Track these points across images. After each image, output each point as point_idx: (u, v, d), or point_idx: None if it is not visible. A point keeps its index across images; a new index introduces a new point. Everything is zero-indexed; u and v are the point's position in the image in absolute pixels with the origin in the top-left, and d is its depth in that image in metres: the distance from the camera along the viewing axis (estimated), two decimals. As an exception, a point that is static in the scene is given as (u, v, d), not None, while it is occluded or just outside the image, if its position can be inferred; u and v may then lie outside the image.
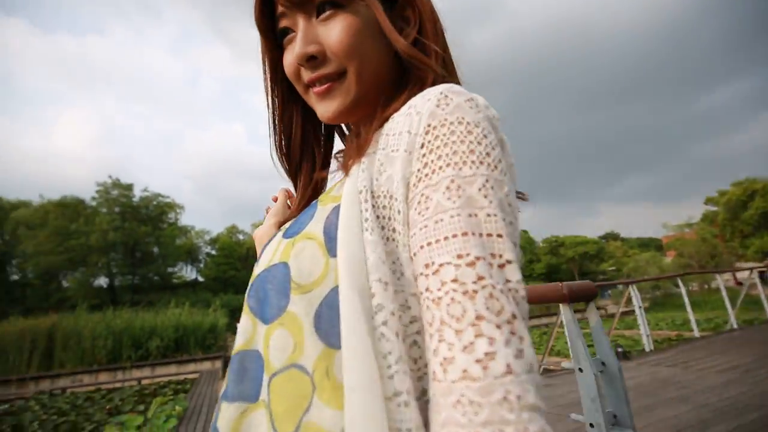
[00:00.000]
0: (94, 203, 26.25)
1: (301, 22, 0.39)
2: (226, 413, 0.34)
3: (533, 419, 0.23)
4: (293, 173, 0.48)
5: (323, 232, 0.35)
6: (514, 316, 0.26)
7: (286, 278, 0.35)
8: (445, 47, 0.42)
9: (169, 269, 28.61)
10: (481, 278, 0.26)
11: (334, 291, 0.32)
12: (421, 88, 0.36)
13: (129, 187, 26.76)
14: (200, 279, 30.41)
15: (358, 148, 0.38)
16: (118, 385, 9.45)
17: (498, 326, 0.25)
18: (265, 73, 0.45)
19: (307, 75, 0.40)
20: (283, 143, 0.47)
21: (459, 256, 0.27)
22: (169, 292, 23.82)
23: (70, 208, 25.37)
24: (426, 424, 0.27)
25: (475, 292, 0.26)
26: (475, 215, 0.28)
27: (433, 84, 0.37)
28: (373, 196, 0.33)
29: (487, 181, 0.29)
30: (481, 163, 0.30)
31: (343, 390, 0.28)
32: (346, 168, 0.38)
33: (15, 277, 24.58)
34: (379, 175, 0.34)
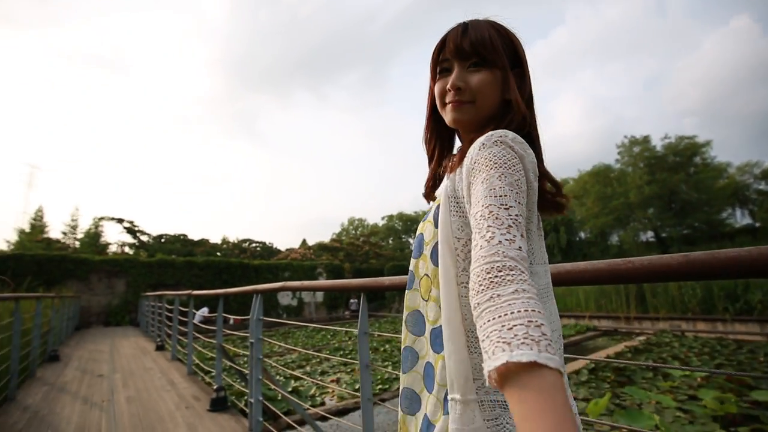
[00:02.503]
0: (618, 165, 28.27)
1: (456, 67, 0.66)
2: None
3: (509, 255, 0.43)
4: (430, 158, 0.76)
5: (433, 217, 0.66)
6: (508, 226, 0.46)
7: (421, 239, 0.69)
8: (531, 103, 0.68)
9: (721, 215, 24.99)
10: (491, 209, 0.48)
11: (437, 242, 0.62)
12: (506, 127, 0.60)
13: (646, 140, 26.49)
14: (757, 224, 24.25)
15: (456, 162, 0.64)
16: (714, 336, 9.14)
17: (497, 227, 0.46)
18: (429, 94, 0.73)
19: (449, 97, 0.66)
20: (428, 136, 0.76)
21: (493, 203, 0.49)
22: (726, 241, 20.85)
23: (601, 175, 28.76)
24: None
25: (490, 211, 0.48)
26: (492, 188, 0.50)
27: (511, 125, 0.62)
28: (455, 195, 0.61)
29: (494, 177, 0.52)
30: (490, 172, 0.52)
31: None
32: (450, 170, 0.66)
33: (581, 236, 30.89)
34: (460, 181, 0.60)
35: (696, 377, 4.74)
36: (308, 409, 3.86)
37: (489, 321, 0.38)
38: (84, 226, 23.07)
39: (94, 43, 70.09)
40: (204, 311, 12.44)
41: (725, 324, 9.90)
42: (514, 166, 0.52)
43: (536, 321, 0.36)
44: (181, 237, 23.89)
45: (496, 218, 0.46)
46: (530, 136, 0.65)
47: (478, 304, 0.40)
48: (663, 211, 25.40)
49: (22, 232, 21.04)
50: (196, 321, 4.85)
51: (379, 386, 5.29)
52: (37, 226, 21.87)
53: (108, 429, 2.77)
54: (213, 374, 4.80)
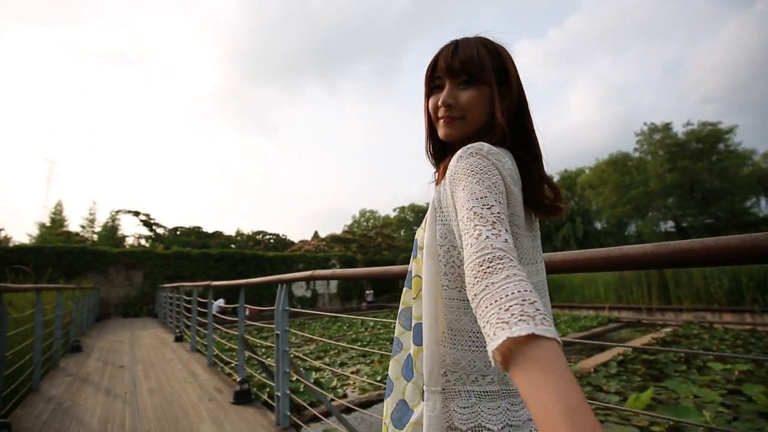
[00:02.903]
0: (637, 154, 27.52)
1: (448, 84, 0.69)
2: None
3: (497, 247, 0.45)
4: (436, 166, 0.77)
5: (424, 223, 0.69)
6: (492, 222, 0.49)
7: (416, 244, 0.71)
8: (522, 119, 0.70)
9: (745, 204, 24.20)
10: (475, 210, 0.51)
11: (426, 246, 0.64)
12: (489, 142, 0.63)
13: (667, 127, 25.66)
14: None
15: (440, 174, 0.69)
16: (747, 327, 8.81)
17: (483, 224, 0.48)
18: (425, 108, 0.75)
19: (441, 112, 0.69)
20: (431, 147, 0.78)
21: (474, 205, 0.52)
22: (751, 231, 20.14)
23: (619, 163, 28.05)
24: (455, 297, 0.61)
25: (474, 213, 0.51)
26: (473, 192, 0.53)
27: (493, 140, 0.65)
28: (440, 206, 0.64)
29: (472, 183, 0.55)
30: (466, 180, 0.56)
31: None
32: (437, 182, 0.70)
33: (597, 226, 30.29)
34: (444, 192, 0.63)
35: (735, 371, 4.51)
36: (333, 400, 3.78)
37: (487, 307, 0.40)
38: (101, 219, 23.44)
39: (110, 40, 70.75)
40: (220, 302, 12.52)
41: (754, 315, 9.54)
42: (489, 171, 0.56)
43: (529, 299, 0.38)
44: (196, 229, 24.11)
45: (481, 217, 0.50)
46: (527, 145, 0.69)
47: (476, 295, 0.43)
48: (684, 200, 24.69)
49: (42, 226, 21.49)
50: (213, 312, 4.80)
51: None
52: (57, 219, 22.31)
53: (132, 422, 2.70)
54: (233, 365, 4.77)
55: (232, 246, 23.82)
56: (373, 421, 3.71)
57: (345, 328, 10.96)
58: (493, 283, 0.41)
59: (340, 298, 19.17)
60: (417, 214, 45.98)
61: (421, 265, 0.65)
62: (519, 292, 0.39)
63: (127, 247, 19.54)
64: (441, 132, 0.70)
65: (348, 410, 3.74)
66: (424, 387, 0.58)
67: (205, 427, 2.55)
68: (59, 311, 4.87)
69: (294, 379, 3.87)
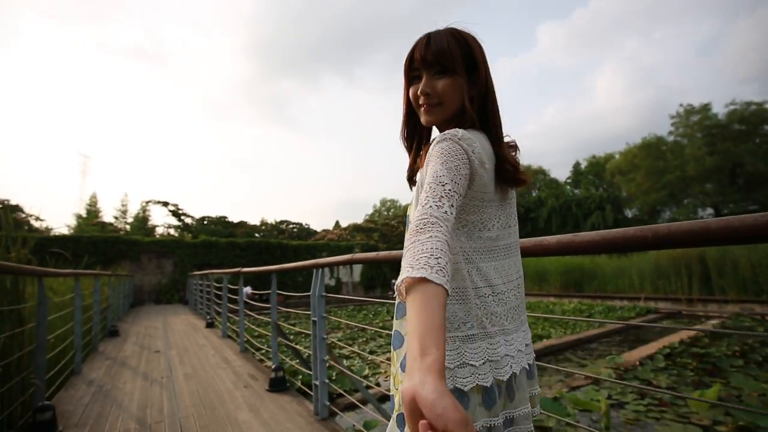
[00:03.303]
0: (672, 137, 26.12)
1: (425, 75, 0.75)
2: None
3: (433, 215, 0.54)
4: (409, 149, 0.87)
5: (414, 201, 0.80)
6: (440, 196, 0.57)
7: (407, 221, 0.78)
8: (487, 105, 0.76)
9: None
10: (431, 186, 0.59)
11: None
12: (463, 126, 0.72)
13: (706, 108, 24.17)
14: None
15: (423, 157, 0.80)
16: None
17: (432, 197, 0.57)
18: (404, 97, 0.82)
19: (421, 100, 0.75)
20: (405, 133, 0.86)
21: (432, 181, 0.60)
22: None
23: (652, 148, 26.72)
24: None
25: (430, 187, 0.59)
26: (435, 172, 0.62)
27: (466, 124, 0.73)
28: (422, 184, 0.72)
29: (437, 165, 0.63)
30: (435, 162, 0.64)
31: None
32: (421, 165, 0.78)
33: (628, 214, 29.14)
34: (425, 170, 0.69)
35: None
36: (370, 387, 3.70)
37: (407, 255, 0.51)
38: (133, 210, 24.22)
39: (135, 38, 72.47)
40: (248, 290, 12.72)
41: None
42: (455, 155, 0.64)
43: (436, 255, 0.48)
44: (222, 219, 24.60)
45: (433, 191, 0.59)
46: (491, 129, 0.75)
47: (406, 246, 0.56)
48: (725, 185, 23.32)
49: (79, 217, 22.42)
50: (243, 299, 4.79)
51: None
52: (92, 211, 23.22)
53: (170, 407, 2.69)
54: (264, 352, 4.76)
55: (257, 235, 24.21)
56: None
57: (371, 316, 10.94)
58: (418, 239, 0.52)
59: (363, 286, 19.21)
60: (439, 202, 45.56)
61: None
62: (432, 248, 0.49)
63: (158, 236, 20.12)
64: (423, 119, 0.78)
65: (382, 398, 3.65)
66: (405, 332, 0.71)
67: (242, 414, 2.49)
68: (97, 297, 4.97)
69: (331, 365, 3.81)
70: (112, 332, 6.08)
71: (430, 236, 0.51)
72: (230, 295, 5.63)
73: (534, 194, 37.46)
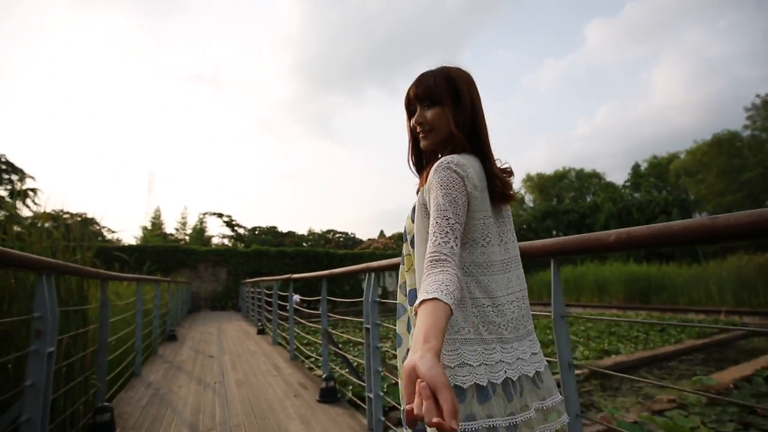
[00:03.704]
0: (748, 132, 23.55)
1: (418, 108, 0.88)
2: None
3: (443, 252, 0.67)
4: (419, 173, 0.97)
5: (411, 216, 0.89)
6: (446, 232, 0.70)
7: (404, 230, 0.92)
8: (475, 126, 0.86)
9: None
10: (437, 221, 0.71)
11: (414, 233, 0.85)
12: (453, 151, 0.85)
13: (791, 99, 21.56)
14: None
15: (423, 180, 0.91)
16: None
17: (439, 233, 0.70)
18: (407, 129, 0.94)
19: (418, 129, 0.89)
20: (413, 159, 0.97)
21: (438, 215, 0.73)
22: None
23: (725, 144, 24.25)
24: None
25: (436, 222, 0.71)
26: (438, 205, 0.73)
27: (457, 150, 0.85)
28: (424, 203, 0.82)
29: (439, 196, 0.74)
30: (438, 191, 0.75)
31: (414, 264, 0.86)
32: (421, 185, 0.90)
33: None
34: (427, 193, 0.80)
35: None
36: None
37: (423, 285, 0.64)
38: (191, 222, 25.80)
39: (193, 63, 78.51)
40: (296, 298, 12.92)
41: None
42: (454, 184, 0.75)
43: (446, 284, 0.62)
44: (272, 229, 25.50)
45: (439, 226, 0.71)
46: (480, 148, 0.87)
47: (423, 279, 0.66)
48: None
49: (145, 229, 24.28)
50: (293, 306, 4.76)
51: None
52: (156, 223, 25.05)
53: (222, 414, 2.64)
54: (314, 360, 4.69)
55: (305, 244, 24.80)
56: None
57: (418, 326, 10.65)
58: (432, 272, 0.66)
59: (409, 295, 18.91)
60: (485, 210, 44.27)
61: (410, 246, 0.89)
62: (443, 280, 0.63)
63: (213, 246, 21.20)
64: (421, 144, 0.90)
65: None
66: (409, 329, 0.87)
67: (293, 426, 2.38)
68: (157, 302, 5.19)
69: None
70: (171, 336, 6.34)
71: (442, 270, 0.65)
72: (280, 302, 5.66)
73: (588, 199, 35.31)
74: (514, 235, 0.88)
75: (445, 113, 0.85)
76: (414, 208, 0.88)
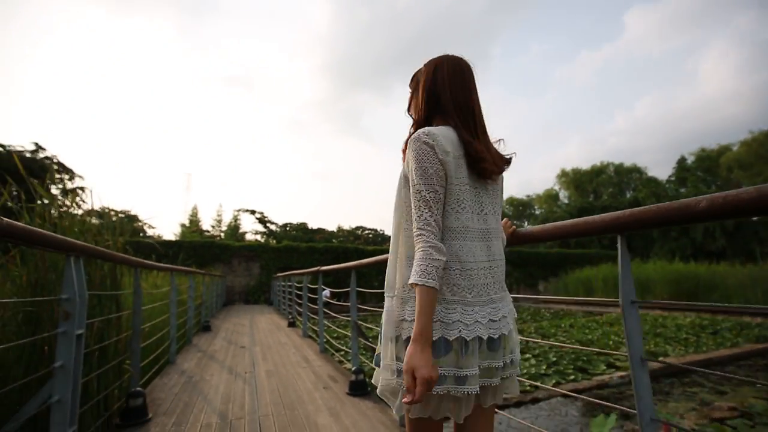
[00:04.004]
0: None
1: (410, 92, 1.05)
2: None
3: (416, 231, 0.81)
4: None
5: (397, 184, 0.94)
6: (419, 206, 0.82)
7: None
8: (442, 104, 0.93)
9: None
10: (414, 192, 0.83)
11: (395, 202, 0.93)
12: (430, 125, 0.93)
13: None
14: None
15: (403, 151, 0.94)
16: None
17: (415, 208, 0.82)
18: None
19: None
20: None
21: (413, 191, 0.84)
22: None
23: (786, 135, 22.29)
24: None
25: (414, 198, 0.83)
26: (413, 179, 0.84)
27: (430, 123, 0.95)
28: (404, 175, 0.89)
29: (413, 170, 0.83)
30: (412, 165, 0.84)
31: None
32: (403, 158, 0.94)
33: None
34: (406, 165, 0.88)
35: None
36: None
37: (414, 264, 0.79)
38: (226, 219, 26.63)
39: (228, 66, 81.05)
40: (326, 293, 13.00)
41: None
42: (425, 154, 0.83)
43: (427, 263, 0.77)
44: (302, 226, 25.89)
45: (415, 201, 0.83)
46: (457, 116, 0.91)
47: (415, 256, 0.81)
48: None
49: (183, 226, 25.30)
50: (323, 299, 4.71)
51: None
52: (193, 220, 26.02)
53: (251, 403, 2.60)
54: (343, 353, 4.63)
55: (334, 241, 25.01)
56: (519, 426, 3.15)
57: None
58: (417, 251, 0.79)
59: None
60: (517, 207, 42.98)
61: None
62: (423, 257, 0.78)
63: (247, 241, 21.77)
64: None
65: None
66: (385, 293, 0.91)
67: (321, 418, 2.30)
68: (191, 292, 5.30)
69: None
70: (205, 327, 6.48)
71: (420, 247, 0.79)
72: (310, 295, 5.65)
73: (628, 195, 33.55)
74: (500, 209, 0.95)
75: (414, 98, 1.01)
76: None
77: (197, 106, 73.30)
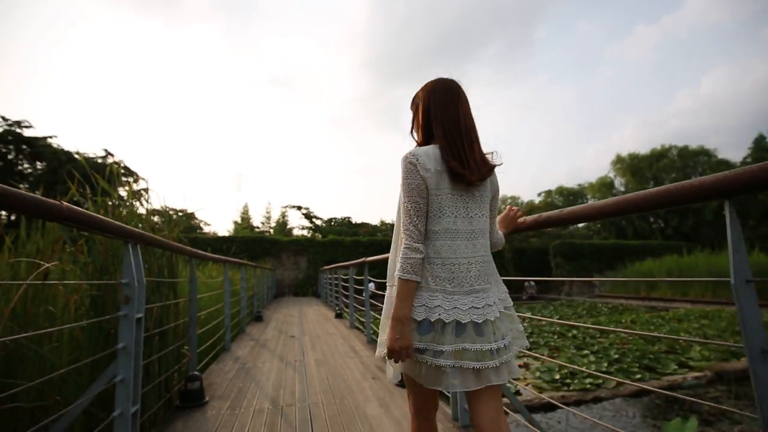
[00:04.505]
0: None
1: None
2: None
3: (404, 235, 1.00)
4: None
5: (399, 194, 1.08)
6: (404, 216, 1.01)
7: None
8: (430, 128, 1.08)
9: None
10: (401, 203, 1.02)
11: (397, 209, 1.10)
12: (428, 143, 1.09)
13: None
14: None
15: None
16: None
17: (402, 218, 1.01)
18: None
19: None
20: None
21: (400, 202, 1.04)
22: None
23: None
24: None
25: (401, 209, 1.03)
26: (400, 194, 1.03)
27: (430, 142, 1.09)
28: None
29: (400, 185, 1.02)
30: (402, 182, 1.01)
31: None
32: None
33: None
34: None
35: None
36: (519, 394, 3.18)
37: (398, 261, 0.98)
38: (274, 216, 27.69)
39: (272, 67, 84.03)
40: (371, 287, 13.08)
41: None
42: (410, 173, 0.99)
43: (408, 260, 0.95)
44: (347, 220, 26.30)
45: (402, 211, 1.02)
46: (442, 139, 1.05)
47: (398, 252, 1.02)
48: None
49: (235, 223, 26.65)
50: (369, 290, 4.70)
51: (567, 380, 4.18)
52: (245, 218, 27.32)
53: (301, 391, 2.62)
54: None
55: (378, 234, 25.17)
56: (574, 425, 2.95)
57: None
58: (402, 251, 0.98)
59: (486, 286, 18.21)
60: (567, 197, 40.70)
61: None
62: (403, 255, 0.96)
63: (294, 236, 22.50)
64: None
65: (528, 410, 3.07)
66: (387, 282, 1.10)
67: (371, 408, 2.26)
68: (243, 284, 5.50)
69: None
70: (258, 317, 6.74)
71: (402, 248, 0.98)
72: (356, 286, 5.67)
73: (696, 181, 30.64)
74: (486, 211, 1.08)
75: (415, 122, 1.16)
76: None
77: (245, 108, 76.71)
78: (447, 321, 0.94)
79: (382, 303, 1.10)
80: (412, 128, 1.17)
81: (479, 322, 0.95)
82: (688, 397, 1.05)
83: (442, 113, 1.06)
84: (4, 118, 17.60)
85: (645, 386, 1.13)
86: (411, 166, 0.99)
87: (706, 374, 4.31)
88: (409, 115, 1.19)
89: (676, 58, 72.72)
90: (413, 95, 1.17)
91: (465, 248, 1.00)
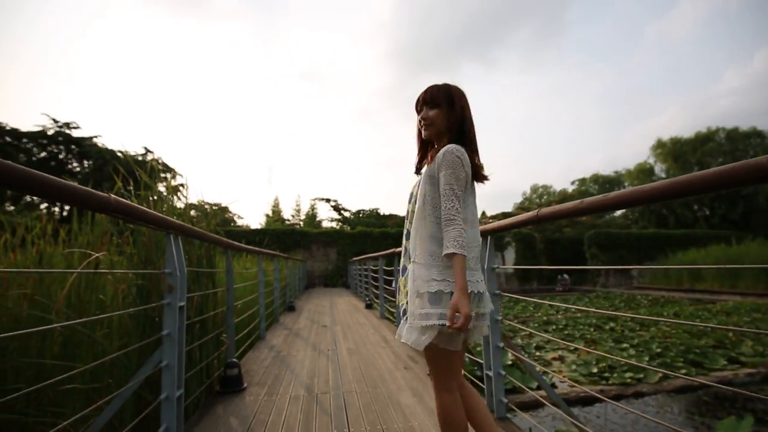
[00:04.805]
0: None
1: (423, 108, 1.28)
2: None
3: (451, 213, 1.12)
4: (420, 155, 1.36)
5: (419, 184, 1.25)
6: (452, 198, 1.13)
7: (412, 194, 1.33)
8: (463, 126, 1.25)
9: None
10: (446, 191, 1.14)
11: (417, 196, 1.25)
12: (450, 142, 1.22)
13: None
14: None
15: (430, 158, 1.26)
16: None
17: (448, 200, 1.13)
18: (416, 124, 1.33)
19: (422, 123, 1.28)
20: (419, 145, 1.36)
21: (446, 188, 1.15)
22: None
23: None
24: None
25: (445, 192, 1.14)
26: (447, 179, 1.14)
27: (451, 142, 1.22)
28: (431, 175, 1.20)
29: (447, 174, 1.15)
30: (447, 170, 1.15)
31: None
32: (429, 162, 1.25)
33: None
34: (434, 169, 1.19)
35: None
36: (555, 387, 3.09)
37: (447, 237, 1.10)
38: (304, 208, 28.18)
39: (302, 63, 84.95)
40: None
41: None
42: (457, 165, 1.14)
43: (459, 237, 1.09)
44: (375, 212, 26.40)
45: (447, 195, 1.13)
46: (470, 142, 1.25)
47: (444, 230, 1.11)
48: None
49: (267, 216, 27.36)
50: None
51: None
52: (276, 210, 27.98)
53: (335, 379, 2.67)
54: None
55: (406, 226, 25.11)
56: (613, 419, 2.85)
57: (531, 308, 9.89)
58: (448, 230, 1.10)
59: (518, 278, 17.85)
60: (603, 185, 39.02)
61: (414, 206, 1.27)
62: (456, 235, 1.09)
63: (324, 228, 22.83)
64: (423, 134, 1.30)
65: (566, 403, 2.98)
66: (403, 261, 1.29)
67: (404, 398, 2.26)
68: (276, 275, 5.64)
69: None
70: (290, 307, 6.91)
71: (454, 227, 1.09)
72: (386, 277, 5.69)
73: (747, 165, 28.50)
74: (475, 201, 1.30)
75: (442, 113, 1.24)
76: (421, 180, 1.26)
77: (275, 102, 78.11)
78: (477, 291, 1.15)
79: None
80: (435, 120, 1.25)
81: (483, 291, 1.19)
82: (747, 393, 0.98)
83: (470, 120, 1.27)
84: (55, 120, 18.78)
85: (702, 380, 1.06)
86: (459, 160, 1.15)
87: (759, 370, 4.05)
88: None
89: (724, 32, 67.51)
90: (431, 91, 1.26)
91: (477, 234, 1.23)
